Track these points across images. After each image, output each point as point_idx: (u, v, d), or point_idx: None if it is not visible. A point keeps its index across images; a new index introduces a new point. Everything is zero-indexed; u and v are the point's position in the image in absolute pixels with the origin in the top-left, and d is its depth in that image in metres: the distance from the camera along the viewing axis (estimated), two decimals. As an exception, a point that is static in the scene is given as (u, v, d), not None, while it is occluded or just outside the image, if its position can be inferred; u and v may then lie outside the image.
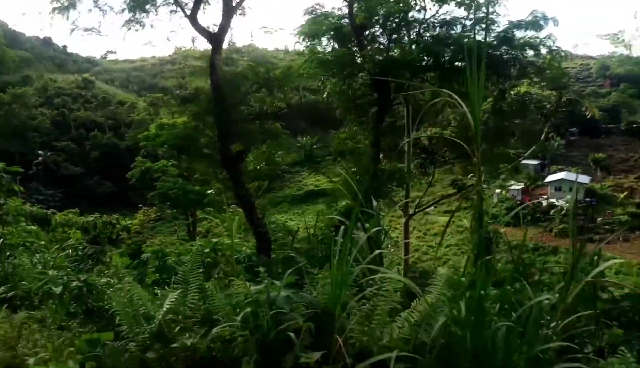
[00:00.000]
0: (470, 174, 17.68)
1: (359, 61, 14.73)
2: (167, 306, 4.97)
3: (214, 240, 13.46)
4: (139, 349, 4.87)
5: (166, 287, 8.84)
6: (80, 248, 11.34)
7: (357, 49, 14.64)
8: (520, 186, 51.74)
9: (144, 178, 33.83)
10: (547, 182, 52.79)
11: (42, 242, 13.11)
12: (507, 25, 15.41)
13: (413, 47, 14.48)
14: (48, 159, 69.74)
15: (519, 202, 49.83)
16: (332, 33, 15.43)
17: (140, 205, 37.33)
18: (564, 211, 44.88)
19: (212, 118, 11.86)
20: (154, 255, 9.99)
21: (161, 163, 33.78)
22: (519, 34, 14.90)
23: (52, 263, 9.88)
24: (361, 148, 12.75)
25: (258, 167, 13.12)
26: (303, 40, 15.29)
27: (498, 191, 49.74)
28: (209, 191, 33.50)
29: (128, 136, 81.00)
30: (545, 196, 50.78)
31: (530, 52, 15.42)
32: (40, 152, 69.33)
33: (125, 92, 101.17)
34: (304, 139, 73.50)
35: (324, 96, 18.23)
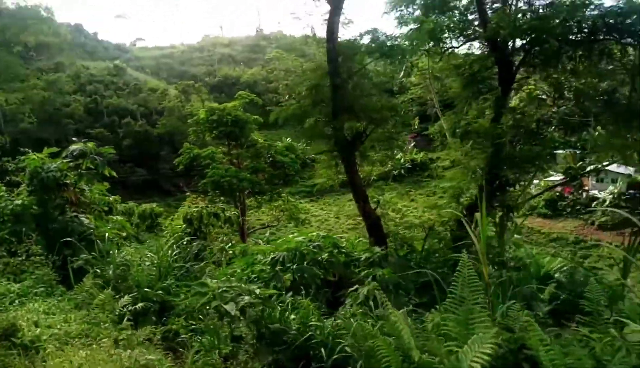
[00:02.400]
0: (580, 163, 15.56)
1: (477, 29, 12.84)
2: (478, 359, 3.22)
3: (317, 232, 11.82)
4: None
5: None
6: (184, 242, 9.80)
7: (477, 16, 12.71)
8: (559, 176, 48.86)
9: (191, 165, 32.46)
10: (588, 172, 49.68)
11: (124, 234, 11.64)
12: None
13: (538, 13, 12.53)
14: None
15: (557, 193, 47.37)
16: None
17: (187, 192, 36.22)
18: (606, 203, 42.54)
19: (326, 93, 10.13)
20: (290, 253, 8.33)
21: (209, 149, 32.28)
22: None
23: (166, 261, 8.32)
24: (487, 129, 10.87)
25: (377, 150, 11.30)
26: (392, 10, 13.28)
27: (536, 181, 46.70)
28: (261, 181, 32.09)
29: (160, 123, 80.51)
30: (586, 188, 48.14)
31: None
32: (74, 139, 68.75)
33: (156, 79, 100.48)
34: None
35: (411, 75, 16.29)
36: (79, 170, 9.85)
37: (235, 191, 30.14)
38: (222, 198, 32.09)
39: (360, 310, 5.47)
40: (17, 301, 6.23)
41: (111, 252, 8.01)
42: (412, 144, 65.64)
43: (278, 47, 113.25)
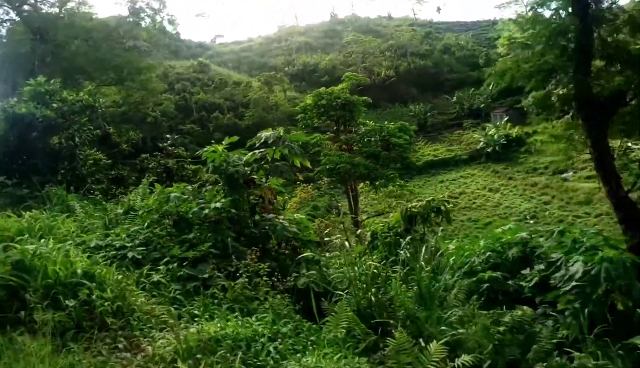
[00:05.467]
0: None
1: None
2: None
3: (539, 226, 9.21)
4: None
5: None
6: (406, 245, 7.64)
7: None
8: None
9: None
10: None
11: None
12: None
13: None
14: (175, 142, 70.71)
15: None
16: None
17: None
18: None
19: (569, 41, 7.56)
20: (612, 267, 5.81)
21: (316, 136, 30.48)
22: None
23: (426, 279, 6.11)
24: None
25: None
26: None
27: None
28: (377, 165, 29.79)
29: (247, 115, 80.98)
30: None
31: None
32: (168, 136, 70.40)
33: (237, 73, 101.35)
34: (417, 107, 68.00)
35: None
36: (263, 162, 8.00)
37: (350, 178, 28.21)
38: (331, 186, 30.41)
39: None
40: (271, 348, 4.35)
41: (326, 263, 6.00)
42: (506, 118, 60.75)
43: (354, 30, 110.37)
